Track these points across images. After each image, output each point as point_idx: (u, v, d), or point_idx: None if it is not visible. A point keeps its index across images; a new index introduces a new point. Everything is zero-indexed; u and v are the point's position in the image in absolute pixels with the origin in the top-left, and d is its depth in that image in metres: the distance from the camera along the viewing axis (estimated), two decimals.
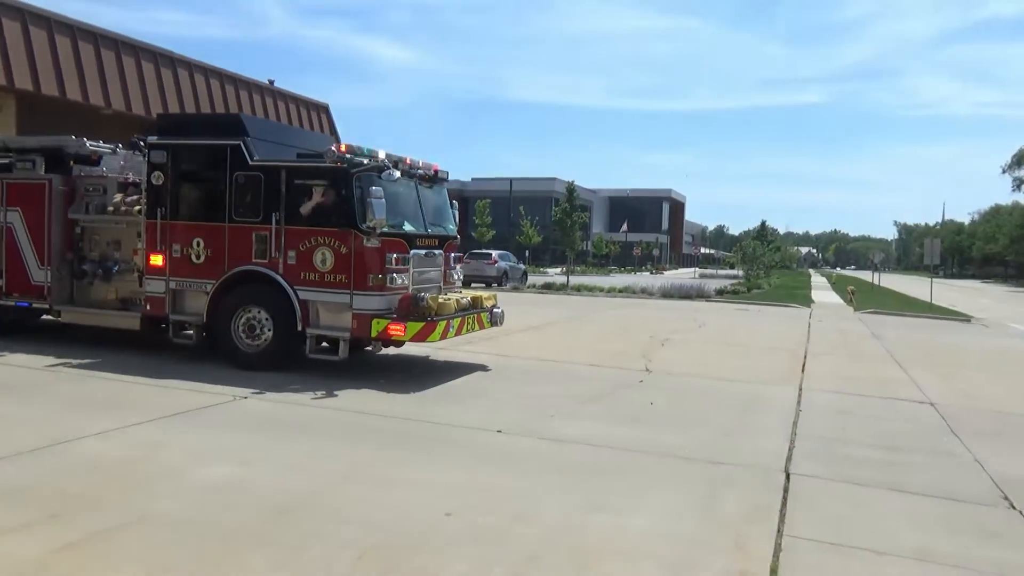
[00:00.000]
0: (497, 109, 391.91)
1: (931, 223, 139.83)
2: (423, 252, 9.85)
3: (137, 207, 10.28)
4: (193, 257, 9.67)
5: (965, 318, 24.81)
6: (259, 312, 9.43)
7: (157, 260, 9.86)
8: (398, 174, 9.43)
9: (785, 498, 5.54)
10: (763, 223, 61.19)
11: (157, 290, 9.91)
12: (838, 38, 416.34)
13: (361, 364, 10.23)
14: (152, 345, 10.82)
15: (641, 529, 4.82)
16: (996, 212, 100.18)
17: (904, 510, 5.46)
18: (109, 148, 11.57)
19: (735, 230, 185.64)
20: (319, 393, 8.31)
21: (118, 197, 10.67)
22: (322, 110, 25.57)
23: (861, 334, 18.18)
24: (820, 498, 5.63)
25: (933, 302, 28.16)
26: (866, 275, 72.75)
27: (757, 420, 8.17)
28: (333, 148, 9.16)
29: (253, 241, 9.36)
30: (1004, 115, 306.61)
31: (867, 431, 7.87)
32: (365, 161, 9.20)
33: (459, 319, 9.66)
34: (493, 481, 5.63)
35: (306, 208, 9.16)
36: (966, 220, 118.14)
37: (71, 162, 11.12)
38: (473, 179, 78.28)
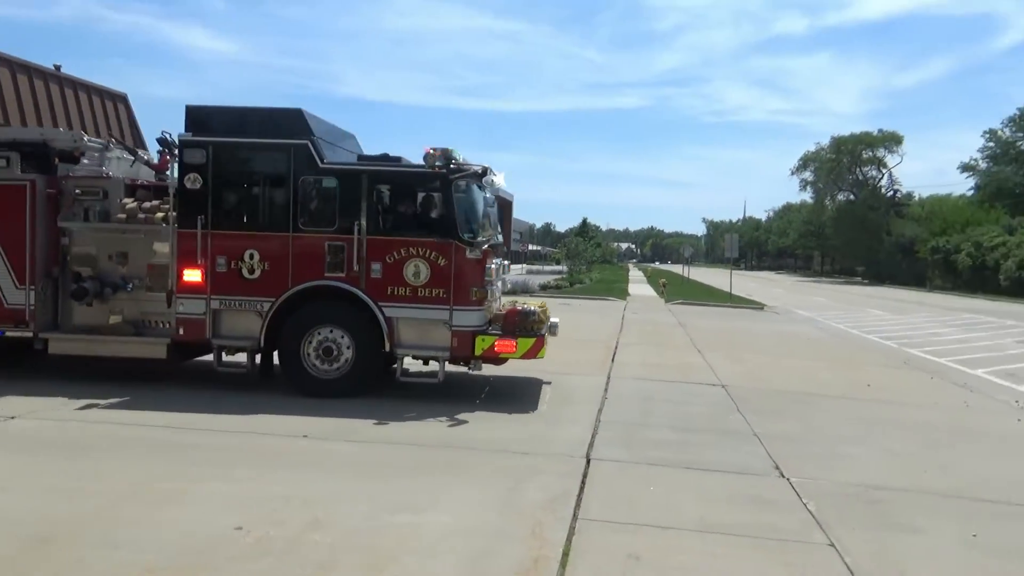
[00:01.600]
0: (327, 105, 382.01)
1: (735, 220, 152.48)
2: (501, 261, 9.53)
3: (160, 213, 8.74)
4: (245, 271, 8.41)
5: (759, 306, 27.31)
6: (339, 333, 8.42)
7: (194, 276, 8.45)
8: (498, 179, 8.92)
9: (583, 483, 5.76)
10: (584, 220, 64.04)
11: (194, 311, 8.49)
12: (653, 46, 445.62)
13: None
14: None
15: (443, 525, 4.81)
16: (788, 210, 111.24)
17: (691, 486, 5.86)
18: (101, 143, 9.71)
19: (561, 227, 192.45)
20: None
21: (130, 203, 8.94)
22: (119, 100, 23.32)
23: (669, 324, 19.46)
24: (616, 481, 5.91)
25: (733, 292, 30.72)
26: (678, 268, 78.11)
27: (566, 410, 8.45)
28: (431, 152, 8.28)
29: (325, 253, 8.31)
30: (793, 122, 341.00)
31: (666, 414, 8.41)
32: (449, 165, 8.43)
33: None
34: (290, 489, 5.38)
35: (398, 216, 8.49)
36: (764, 217, 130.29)
37: (55, 160, 9.17)
38: None
